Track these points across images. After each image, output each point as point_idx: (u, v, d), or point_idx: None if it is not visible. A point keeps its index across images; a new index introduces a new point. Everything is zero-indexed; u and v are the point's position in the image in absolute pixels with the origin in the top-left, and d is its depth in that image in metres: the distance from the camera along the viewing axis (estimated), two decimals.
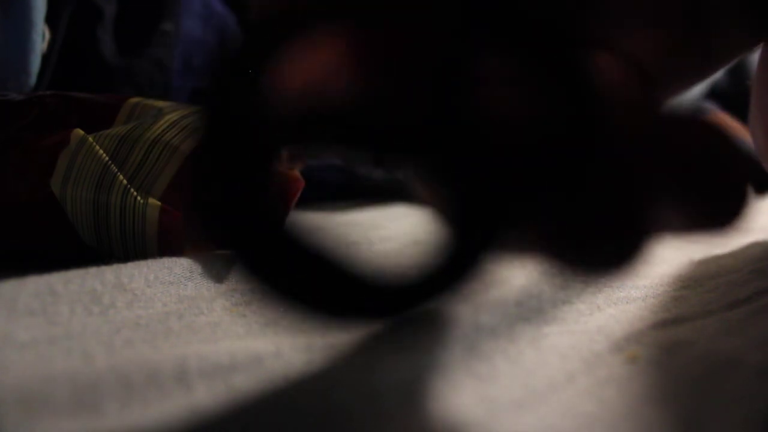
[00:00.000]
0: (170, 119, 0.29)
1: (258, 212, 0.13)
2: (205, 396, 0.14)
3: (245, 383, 0.15)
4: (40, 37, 0.42)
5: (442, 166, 0.14)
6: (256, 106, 0.13)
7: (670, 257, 0.27)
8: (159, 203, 0.27)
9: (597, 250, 0.14)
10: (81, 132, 0.28)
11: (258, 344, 0.17)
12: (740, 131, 0.70)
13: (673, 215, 0.14)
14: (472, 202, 0.14)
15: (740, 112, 0.34)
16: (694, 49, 0.16)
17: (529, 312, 0.20)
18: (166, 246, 0.27)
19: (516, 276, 0.22)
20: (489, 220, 0.14)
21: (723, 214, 0.13)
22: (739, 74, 0.59)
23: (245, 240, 0.13)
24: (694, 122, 0.13)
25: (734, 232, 0.13)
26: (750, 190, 0.13)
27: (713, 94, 0.60)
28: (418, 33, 0.13)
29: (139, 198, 0.27)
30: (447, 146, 0.14)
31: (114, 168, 0.27)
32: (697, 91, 0.60)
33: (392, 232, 0.35)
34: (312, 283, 0.13)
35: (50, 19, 0.43)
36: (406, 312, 0.14)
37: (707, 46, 0.16)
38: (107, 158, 0.28)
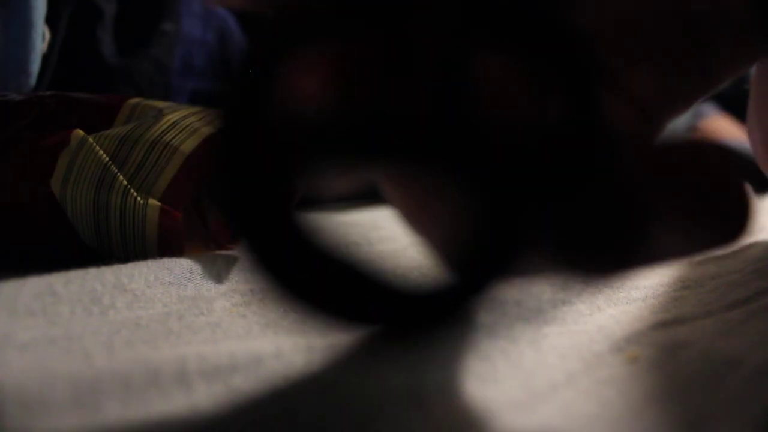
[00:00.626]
0: (170, 120, 0.29)
1: (273, 213, 0.13)
2: (205, 396, 0.14)
3: (245, 383, 0.15)
4: (40, 38, 0.42)
5: (449, 170, 0.14)
6: (274, 108, 0.13)
7: None
8: (159, 203, 0.27)
9: (596, 261, 0.14)
10: (81, 132, 0.28)
11: (258, 345, 0.17)
12: (739, 133, 0.70)
13: (678, 238, 0.13)
14: (489, 210, 0.14)
15: (740, 113, 0.34)
16: (693, 71, 0.16)
17: (529, 312, 0.20)
18: (166, 246, 0.27)
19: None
20: (508, 229, 0.14)
21: (727, 231, 0.13)
22: (738, 77, 0.59)
23: (259, 237, 0.13)
24: (689, 145, 0.13)
25: (740, 243, 0.13)
26: (753, 203, 0.13)
27: (713, 95, 0.60)
28: (418, 33, 0.13)
29: (139, 198, 0.27)
30: (452, 149, 0.14)
31: (114, 168, 0.27)
32: None
33: (392, 232, 0.35)
34: (334, 287, 0.13)
35: (50, 19, 0.43)
36: (427, 321, 0.14)
37: (706, 69, 0.16)
38: (107, 159, 0.28)
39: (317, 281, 0.13)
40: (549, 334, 0.18)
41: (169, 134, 0.28)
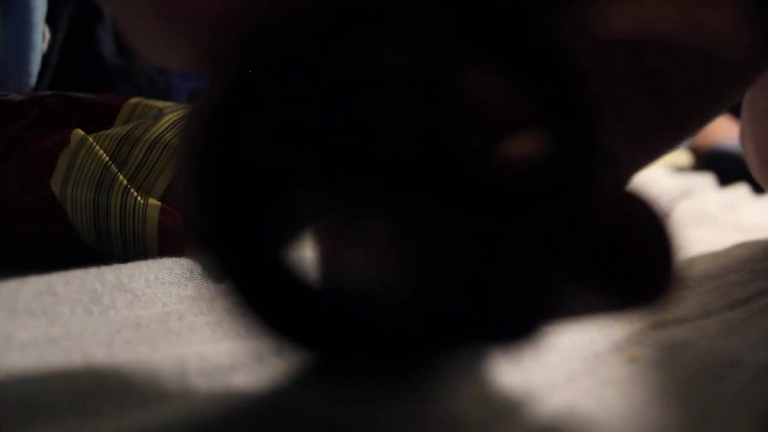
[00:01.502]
0: (170, 119, 0.29)
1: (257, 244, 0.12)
2: (205, 396, 0.14)
3: (245, 383, 0.15)
4: (40, 38, 0.42)
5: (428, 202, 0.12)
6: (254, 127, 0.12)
7: None
8: (159, 203, 0.27)
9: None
10: (81, 132, 0.28)
11: (259, 344, 0.17)
12: (734, 131, 0.70)
13: (592, 295, 0.13)
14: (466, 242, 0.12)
15: (739, 112, 0.34)
16: (660, 125, 0.15)
17: None
18: (166, 246, 0.27)
19: None
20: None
21: (646, 295, 0.12)
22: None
23: (242, 274, 0.13)
24: (622, 197, 0.12)
25: (660, 306, 0.12)
26: (675, 264, 0.12)
27: None
28: (401, 48, 0.12)
29: (139, 198, 0.27)
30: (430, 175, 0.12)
31: (114, 168, 0.27)
32: None
33: None
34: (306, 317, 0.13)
35: (50, 19, 0.43)
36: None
37: (674, 122, 0.15)
38: (107, 158, 0.28)
39: (290, 309, 0.13)
40: (549, 334, 0.18)
41: (169, 134, 0.28)
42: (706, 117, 0.15)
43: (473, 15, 0.12)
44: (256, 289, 0.13)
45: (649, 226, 0.12)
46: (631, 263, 0.12)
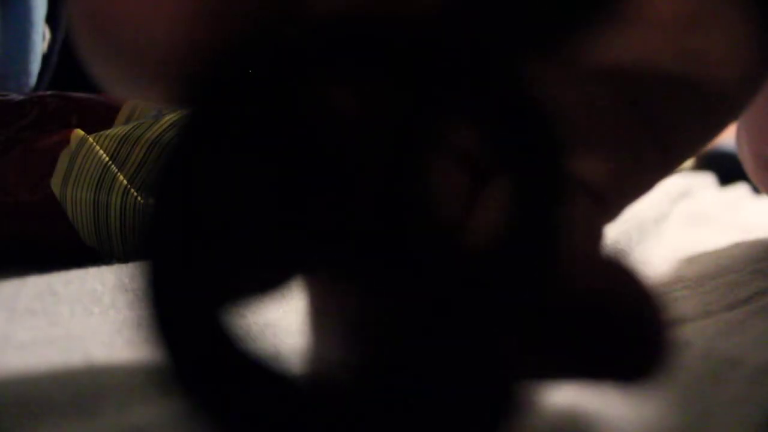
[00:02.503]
0: (170, 120, 0.29)
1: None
2: None
3: None
4: (40, 38, 0.42)
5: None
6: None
7: (669, 257, 0.27)
8: None
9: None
10: (81, 132, 0.28)
11: (259, 344, 0.17)
12: (734, 131, 0.70)
13: (570, 371, 0.12)
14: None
15: None
16: (651, 158, 0.14)
17: None
18: None
19: None
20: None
21: (630, 372, 0.12)
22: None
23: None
24: (615, 266, 0.12)
25: (646, 384, 0.12)
26: (665, 342, 0.11)
27: None
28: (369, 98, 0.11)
29: (139, 198, 0.27)
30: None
31: (114, 168, 0.27)
32: None
33: None
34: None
35: (50, 19, 0.43)
36: None
37: (665, 154, 0.14)
38: (107, 158, 0.28)
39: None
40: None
41: (169, 134, 0.28)
42: (698, 144, 0.15)
43: (441, 61, 0.11)
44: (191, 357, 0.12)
45: (633, 298, 0.11)
46: (613, 339, 0.11)
